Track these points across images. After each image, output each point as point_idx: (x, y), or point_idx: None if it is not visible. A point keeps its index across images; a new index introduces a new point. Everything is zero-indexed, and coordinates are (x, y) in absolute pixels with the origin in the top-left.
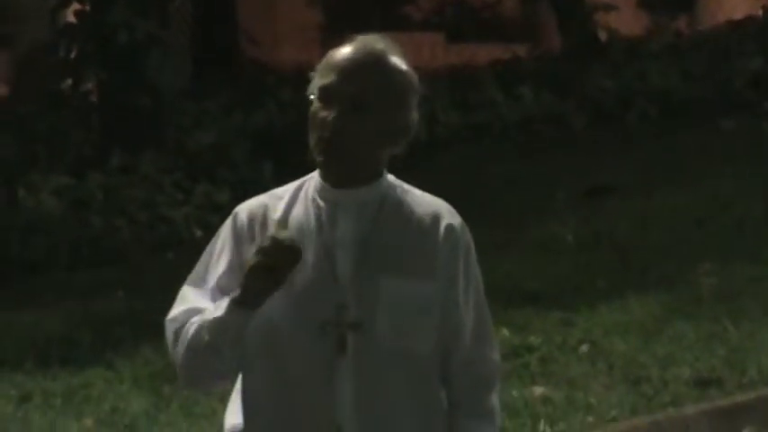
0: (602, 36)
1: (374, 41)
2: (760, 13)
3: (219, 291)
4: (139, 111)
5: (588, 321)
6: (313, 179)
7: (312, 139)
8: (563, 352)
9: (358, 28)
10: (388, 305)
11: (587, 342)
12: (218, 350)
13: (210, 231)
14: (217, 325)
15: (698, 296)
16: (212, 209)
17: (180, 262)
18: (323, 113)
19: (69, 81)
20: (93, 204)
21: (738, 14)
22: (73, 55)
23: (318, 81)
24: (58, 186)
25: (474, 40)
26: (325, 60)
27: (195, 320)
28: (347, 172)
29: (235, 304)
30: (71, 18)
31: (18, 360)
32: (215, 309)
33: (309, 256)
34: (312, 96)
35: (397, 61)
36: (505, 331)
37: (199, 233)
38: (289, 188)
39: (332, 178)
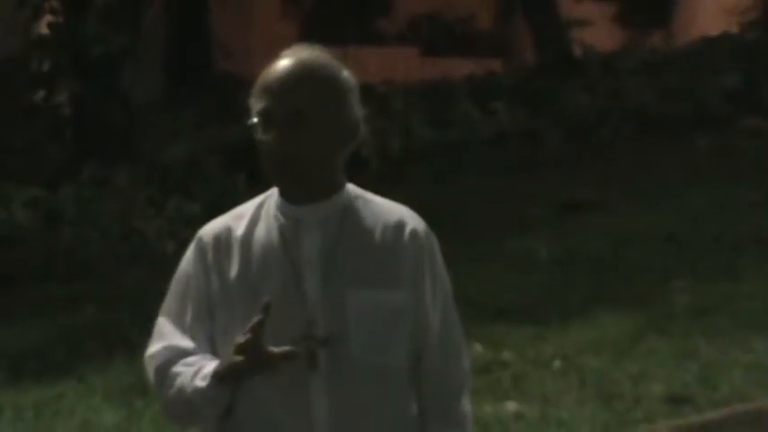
0: (578, 51)
1: (299, 52)
2: (735, 29)
3: (193, 328)
4: (112, 123)
5: (561, 337)
6: (273, 196)
7: (264, 165)
8: (536, 368)
9: (332, 40)
10: (357, 319)
11: (560, 358)
12: (203, 414)
13: (183, 245)
14: (199, 396)
15: (671, 313)
16: (184, 222)
17: (152, 276)
18: (266, 137)
19: (42, 93)
20: (65, 217)
21: (713, 31)
22: (46, 68)
23: (256, 106)
24: (30, 198)
25: (448, 54)
26: (258, 83)
27: (178, 374)
28: (304, 190)
29: (217, 380)
30: (44, 30)
31: None
32: (196, 375)
33: (276, 274)
34: (254, 121)
35: (328, 65)
36: (478, 346)
37: (171, 247)
38: (249, 206)
39: (290, 197)
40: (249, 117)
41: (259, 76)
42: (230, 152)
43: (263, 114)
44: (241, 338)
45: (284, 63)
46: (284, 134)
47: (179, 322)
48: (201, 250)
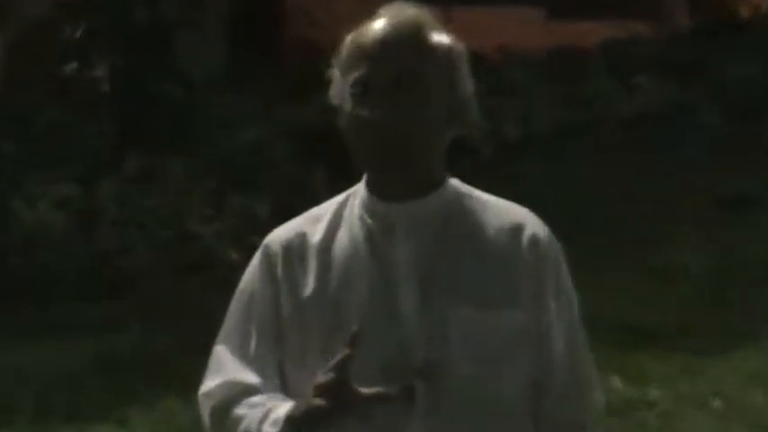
0: (744, 12)
1: (400, 10)
2: None
3: (259, 358)
4: (162, 103)
5: (720, 369)
6: (358, 193)
7: (360, 150)
8: (689, 407)
9: (437, 1)
10: (463, 343)
11: (719, 395)
12: None
13: (248, 253)
14: None
15: None
16: (251, 225)
17: (210, 291)
18: (363, 112)
19: (74, 65)
20: (104, 219)
21: None
22: (79, 34)
23: (348, 76)
24: (61, 196)
25: (581, 16)
26: (348, 48)
27: (241, 417)
28: (406, 180)
29: (292, 427)
30: None
31: (11, 410)
32: (264, 419)
33: (362, 289)
34: (338, 99)
35: (436, 27)
36: (617, 380)
37: (234, 255)
38: (328, 207)
39: (389, 190)
40: (331, 92)
41: (348, 40)
42: (307, 139)
43: (360, 84)
44: (322, 377)
45: (385, 23)
46: (389, 106)
47: (241, 351)
48: (269, 261)
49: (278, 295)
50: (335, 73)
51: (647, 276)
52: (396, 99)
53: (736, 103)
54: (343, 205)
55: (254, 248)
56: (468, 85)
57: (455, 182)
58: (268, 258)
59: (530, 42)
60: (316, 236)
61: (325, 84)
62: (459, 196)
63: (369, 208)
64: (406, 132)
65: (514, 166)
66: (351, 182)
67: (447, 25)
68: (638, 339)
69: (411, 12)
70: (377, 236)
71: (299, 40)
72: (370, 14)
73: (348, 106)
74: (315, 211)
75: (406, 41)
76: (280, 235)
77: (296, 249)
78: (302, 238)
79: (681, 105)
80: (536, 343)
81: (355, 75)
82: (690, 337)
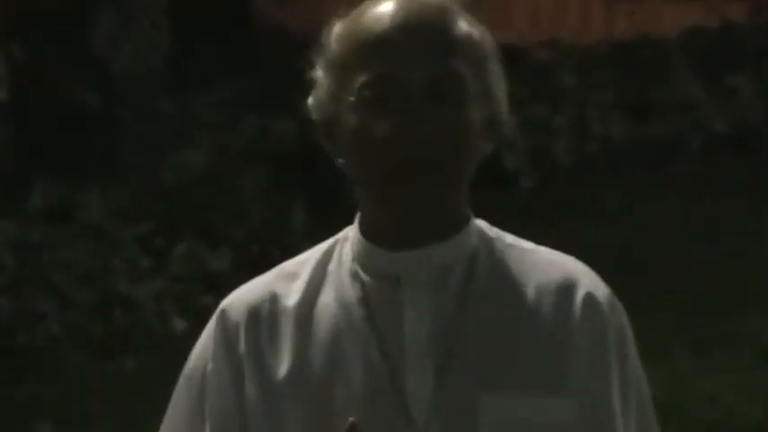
0: None
1: None
2: None
3: None
4: (80, 113)
5: None
6: (348, 241)
7: (373, 176)
8: None
9: None
10: None
11: None
12: None
13: (200, 322)
14: None
15: None
16: (203, 283)
17: (146, 374)
18: (389, 127)
19: None
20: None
21: None
22: None
23: (351, 77)
24: None
25: None
26: (346, 41)
27: None
28: (435, 216)
29: None
30: None
31: None
32: None
33: (358, 368)
34: (328, 110)
35: (461, 12)
36: None
37: (180, 325)
38: (308, 259)
39: (396, 233)
40: (314, 100)
41: (342, 29)
42: (282, 164)
43: (377, 86)
44: None
45: (397, 5)
46: (422, 116)
47: None
48: (227, 332)
49: (240, 378)
50: (321, 74)
51: (755, 354)
52: (429, 107)
53: None
54: (327, 257)
55: (206, 315)
56: (502, 89)
57: (481, 223)
58: (226, 328)
59: (586, 31)
60: (291, 298)
61: (305, 87)
62: (488, 242)
63: (365, 259)
64: (443, 150)
65: (563, 199)
66: (339, 222)
67: (474, 8)
68: None
69: None
70: (376, 297)
71: (269, 26)
72: None
73: (353, 118)
74: (289, 264)
75: (436, 30)
76: (242, 297)
77: (265, 317)
78: (273, 301)
79: None
80: None
81: (366, 75)
82: None
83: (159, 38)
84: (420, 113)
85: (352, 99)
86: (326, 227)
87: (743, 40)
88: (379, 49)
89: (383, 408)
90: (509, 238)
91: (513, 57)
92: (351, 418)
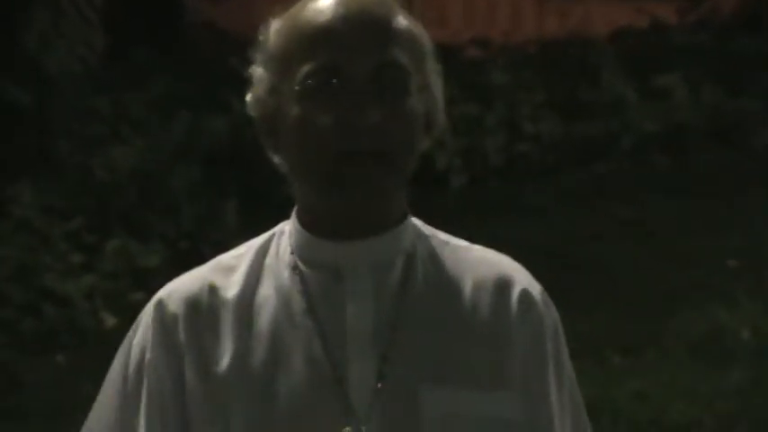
0: None
1: None
2: None
3: None
4: (13, 111)
5: None
6: (285, 235)
7: (318, 167)
8: None
9: None
10: None
11: None
12: None
13: (131, 317)
14: None
15: None
16: (134, 278)
17: (77, 372)
18: (333, 115)
19: None
20: None
21: None
22: None
23: (295, 68)
24: None
25: None
26: (288, 34)
27: None
28: (380, 208)
29: None
30: None
31: None
32: None
33: (299, 361)
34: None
35: (398, 8)
36: None
37: (111, 321)
38: (244, 254)
39: (339, 225)
40: (252, 96)
41: (281, 24)
42: (213, 159)
43: (321, 74)
44: None
45: (342, 3)
46: (369, 104)
47: None
48: (165, 324)
49: (180, 367)
50: (260, 70)
51: (680, 352)
52: (374, 96)
53: None
54: (263, 251)
55: (137, 311)
56: (439, 87)
57: (415, 220)
58: (164, 319)
59: (517, 30)
60: (230, 291)
61: (237, 85)
62: (424, 239)
63: (305, 251)
64: (388, 139)
65: (494, 198)
66: (273, 218)
67: (408, 5)
68: None
69: None
70: (316, 289)
71: (202, 23)
72: None
73: (297, 109)
74: (224, 259)
75: (378, 21)
76: (179, 289)
77: (204, 308)
78: (212, 293)
79: (726, 119)
80: None
81: (309, 65)
82: None
83: (92, 36)
84: (365, 102)
85: (296, 89)
86: (258, 223)
87: (672, 40)
88: (322, 39)
89: (325, 399)
90: (443, 235)
91: (445, 55)
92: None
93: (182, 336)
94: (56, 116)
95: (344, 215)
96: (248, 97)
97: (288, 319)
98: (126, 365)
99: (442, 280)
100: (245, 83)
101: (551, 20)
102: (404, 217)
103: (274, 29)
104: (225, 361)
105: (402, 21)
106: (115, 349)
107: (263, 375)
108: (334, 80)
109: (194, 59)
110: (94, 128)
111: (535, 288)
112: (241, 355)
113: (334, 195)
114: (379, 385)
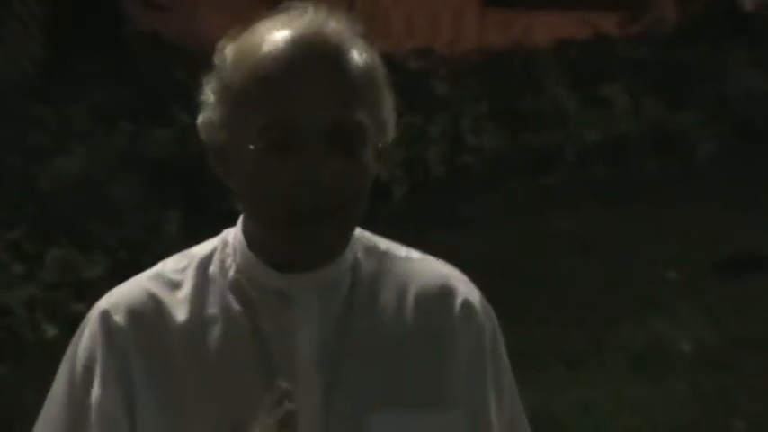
0: (749, 4)
1: (307, 21)
2: None
3: None
4: None
5: None
6: (230, 250)
7: (271, 213)
8: None
9: None
10: None
11: None
12: None
13: (71, 331)
14: None
15: None
16: (77, 288)
17: (17, 382)
18: (292, 171)
19: None
20: None
21: None
22: None
23: (250, 111)
24: None
25: (529, 4)
26: (247, 74)
27: None
28: (330, 246)
29: None
30: None
31: None
32: None
33: (243, 385)
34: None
35: (350, 33)
36: None
37: (52, 332)
38: (187, 266)
39: (292, 258)
40: (204, 119)
41: (233, 53)
42: (156, 169)
43: (278, 128)
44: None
45: (292, 37)
46: (324, 162)
47: None
48: (112, 338)
49: (131, 393)
50: (213, 98)
51: (620, 364)
52: (329, 154)
53: (738, 125)
54: (205, 265)
55: (78, 322)
56: (392, 116)
57: (358, 232)
58: (110, 331)
59: (460, 40)
60: (178, 310)
61: (180, 94)
62: (366, 252)
63: (251, 274)
64: (343, 196)
65: (436, 209)
66: (213, 228)
67: (350, 16)
68: None
69: (320, 21)
70: (263, 312)
71: (145, 33)
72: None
73: (251, 161)
74: (167, 271)
75: (336, 73)
76: (125, 300)
77: (150, 321)
78: (157, 305)
79: (666, 129)
80: None
81: (266, 118)
82: None
83: (32, 44)
84: (321, 161)
85: (251, 144)
86: (201, 234)
87: (614, 51)
88: (280, 92)
89: (272, 428)
90: (383, 243)
91: (388, 66)
92: (282, 385)
93: (129, 350)
94: None
95: (291, 260)
96: (199, 120)
97: (236, 344)
98: (71, 375)
99: (384, 295)
100: (188, 93)
101: (494, 30)
102: (346, 242)
103: (230, 59)
104: (177, 384)
105: (359, 63)
106: (56, 360)
107: (213, 401)
108: (290, 138)
109: (137, 69)
110: (36, 137)
111: (475, 296)
112: (193, 379)
113: (288, 245)
114: (325, 415)
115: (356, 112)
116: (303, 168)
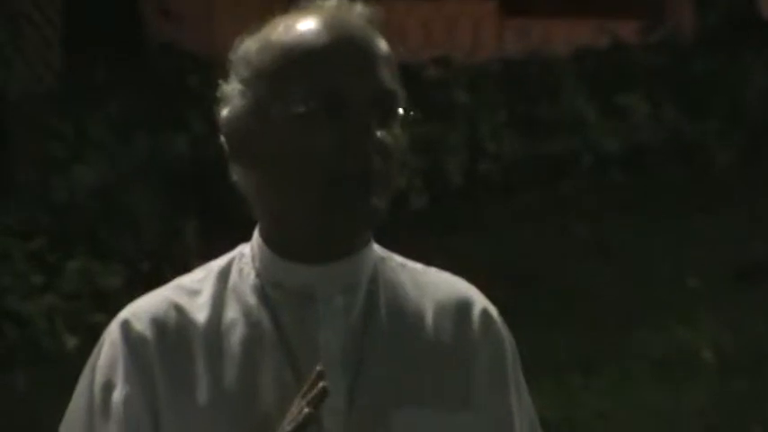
0: (766, 12)
1: (329, 9)
2: None
3: None
4: None
5: None
6: (247, 257)
7: (307, 191)
8: None
9: None
10: None
11: None
12: None
13: (91, 341)
14: None
15: None
16: (96, 299)
17: (37, 393)
18: (329, 137)
19: None
20: None
21: None
22: None
23: (289, 85)
24: None
25: (547, 12)
26: (282, 52)
27: None
28: (362, 229)
29: None
30: None
31: None
32: None
33: (270, 394)
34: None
35: (378, 33)
36: None
37: (72, 342)
38: (205, 277)
39: (310, 249)
40: (227, 117)
41: (263, 44)
42: (174, 179)
43: (320, 97)
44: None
45: (326, 21)
46: (369, 132)
47: None
48: (133, 345)
49: (154, 397)
50: (239, 87)
51: (641, 370)
52: (371, 121)
53: (757, 134)
54: (225, 274)
55: (98, 332)
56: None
57: (374, 246)
58: (131, 340)
59: (478, 49)
60: (199, 314)
61: (197, 104)
62: (382, 262)
63: (273, 274)
64: (383, 163)
65: (454, 218)
66: (233, 240)
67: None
68: None
69: (343, 6)
70: (286, 314)
71: (162, 43)
72: (255, 12)
73: (289, 130)
74: (185, 282)
75: (368, 48)
76: (146, 308)
77: (172, 329)
78: (179, 313)
79: (686, 138)
80: None
81: (307, 87)
82: None
83: (51, 55)
84: (364, 127)
85: (294, 110)
86: (219, 243)
87: (633, 60)
88: (319, 61)
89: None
90: (398, 258)
91: (405, 74)
92: (318, 368)
93: (152, 357)
94: (15, 135)
95: (325, 237)
96: (223, 114)
97: (258, 345)
98: (91, 386)
99: (404, 303)
100: (205, 102)
101: (512, 39)
102: (369, 238)
103: (256, 47)
104: (200, 386)
105: (384, 45)
106: (76, 371)
107: (237, 402)
108: (335, 103)
109: (154, 79)
110: (54, 147)
111: (492, 308)
112: (215, 382)
113: (327, 213)
114: (350, 413)
115: (391, 83)
116: (354, 132)
